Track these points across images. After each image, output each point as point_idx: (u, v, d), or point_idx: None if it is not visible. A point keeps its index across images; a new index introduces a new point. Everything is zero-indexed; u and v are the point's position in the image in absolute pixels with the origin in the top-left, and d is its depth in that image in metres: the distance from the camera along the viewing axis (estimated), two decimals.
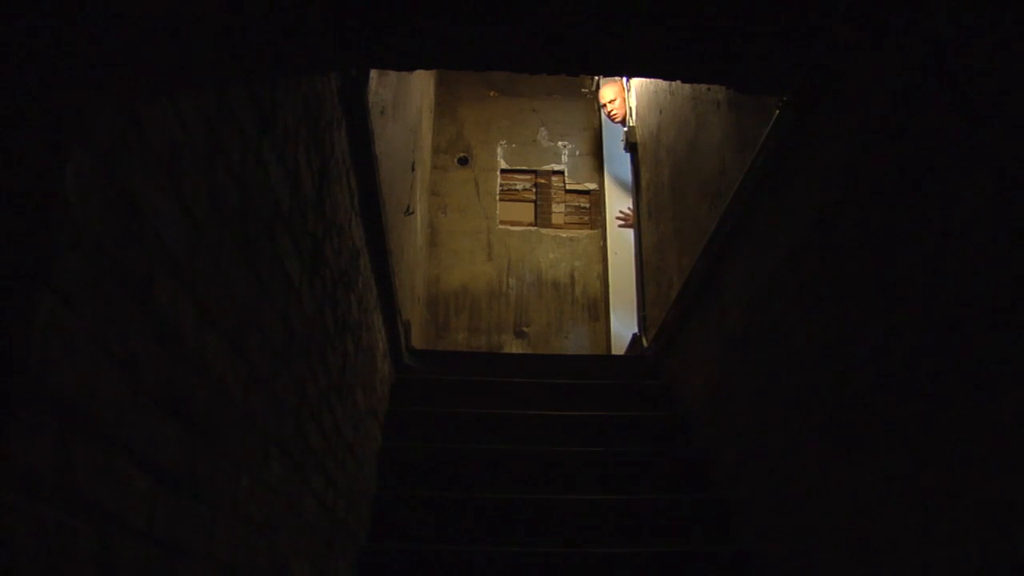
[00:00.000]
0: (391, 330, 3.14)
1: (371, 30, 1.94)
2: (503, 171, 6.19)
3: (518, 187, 6.18)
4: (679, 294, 3.28)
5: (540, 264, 5.95)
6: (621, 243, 5.54)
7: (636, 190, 4.68)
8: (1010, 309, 1.20)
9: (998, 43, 1.25)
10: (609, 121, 5.49)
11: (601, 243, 5.96)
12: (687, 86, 3.32)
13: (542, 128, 6.31)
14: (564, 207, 6.15)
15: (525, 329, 5.65)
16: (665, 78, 2.98)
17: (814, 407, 1.94)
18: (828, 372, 1.86)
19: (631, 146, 4.77)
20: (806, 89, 1.95)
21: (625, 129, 4.92)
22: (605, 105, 5.40)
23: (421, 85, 4.78)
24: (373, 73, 2.37)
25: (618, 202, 5.54)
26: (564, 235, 6.04)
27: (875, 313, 1.63)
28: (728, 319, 2.69)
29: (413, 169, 4.23)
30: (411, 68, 2.25)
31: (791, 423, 2.09)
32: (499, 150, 6.22)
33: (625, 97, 5.37)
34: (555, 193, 6.19)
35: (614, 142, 5.24)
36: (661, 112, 4.03)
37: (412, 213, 4.15)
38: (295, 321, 1.49)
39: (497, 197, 6.11)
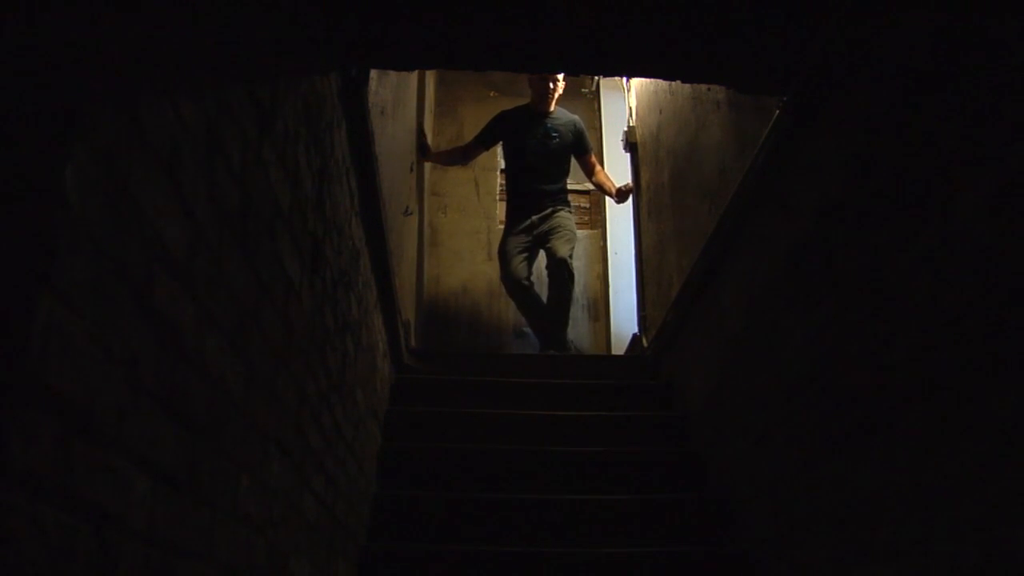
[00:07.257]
0: (391, 330, 3.14)
1: (371, 30, 1.94)
2: (503, 171, 6.18)
3: None
4: (679, 294, 3.28)
5: (540, 264, 5.93)
6: (621, 243, 5.53)
7: (636, 190, 4.68)
8: (1009, 309, 1.20)
9: (999, 42, 1.25)
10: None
11: (601, 243, 5.95)
12: (687, 86, 3.32)
13: None
14: None
15: (525, 329, 5.63)
16: (665, 78, 2.98)
17: (813, 407, 1.94)
18: (828, 372, 1.86)
19: (631, 146, 4.76)
20: (806, 89, 1.95)
21: (625, 129, 4.91)
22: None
23: (421, 85, 4.78)
24: (373, 73, 2.37)
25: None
26: None
27: (875, 313, 1.63)
28: (728, 319, 2.69)
29: (412, 169, 4.22)
30: (411, 68, 2.25)
31: (790, 423, 2.09)
32: (499, 150, 6.21)
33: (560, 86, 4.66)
34: None
35: (614, 142, 5.22)
36: (661, 112, 4.03)
37: (411, 214, 4.15)
38: (295, 321, 1.49)
39: (497, 197, 6.09)
